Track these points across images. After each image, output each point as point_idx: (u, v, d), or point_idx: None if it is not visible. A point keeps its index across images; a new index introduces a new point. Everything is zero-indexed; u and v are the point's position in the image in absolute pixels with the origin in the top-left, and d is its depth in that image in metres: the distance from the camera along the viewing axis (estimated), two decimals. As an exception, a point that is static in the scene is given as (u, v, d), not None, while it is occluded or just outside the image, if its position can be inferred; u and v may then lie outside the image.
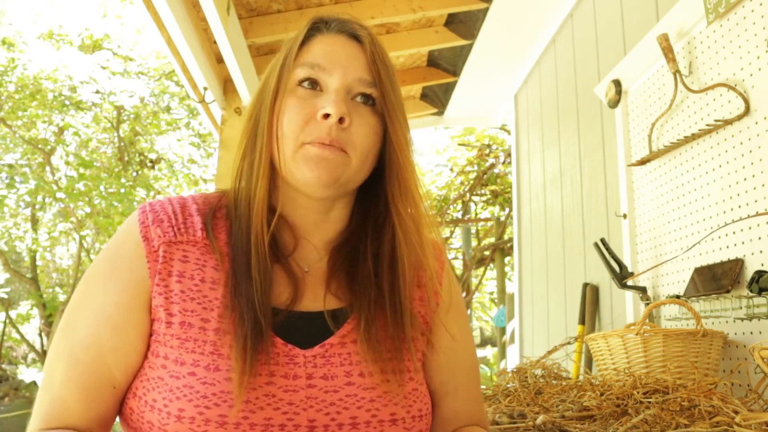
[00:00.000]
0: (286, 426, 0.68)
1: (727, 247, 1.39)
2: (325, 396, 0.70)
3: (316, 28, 0.81)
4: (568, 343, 1.61)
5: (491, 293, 9.80)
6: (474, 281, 7.89)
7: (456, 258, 7.92)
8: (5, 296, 10.91)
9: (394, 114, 0.79)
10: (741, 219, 1.34)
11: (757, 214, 1.28)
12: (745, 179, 1.35)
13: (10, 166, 9.37)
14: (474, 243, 7.85)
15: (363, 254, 0.80)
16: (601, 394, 1.09)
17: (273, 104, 0.77)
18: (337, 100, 0.74)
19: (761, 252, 1.29)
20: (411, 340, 0.77)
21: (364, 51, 0.79)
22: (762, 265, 1.28)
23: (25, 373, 10.73)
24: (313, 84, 0.77)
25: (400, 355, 0.75)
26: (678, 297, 1.53)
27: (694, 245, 1.52)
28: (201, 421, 0.65)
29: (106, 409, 0.72)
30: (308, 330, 0.75)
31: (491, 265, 7.56)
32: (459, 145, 7.54)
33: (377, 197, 0.83)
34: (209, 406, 0.66)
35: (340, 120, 0.74)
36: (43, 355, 10.29)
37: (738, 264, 1.33)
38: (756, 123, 1.33)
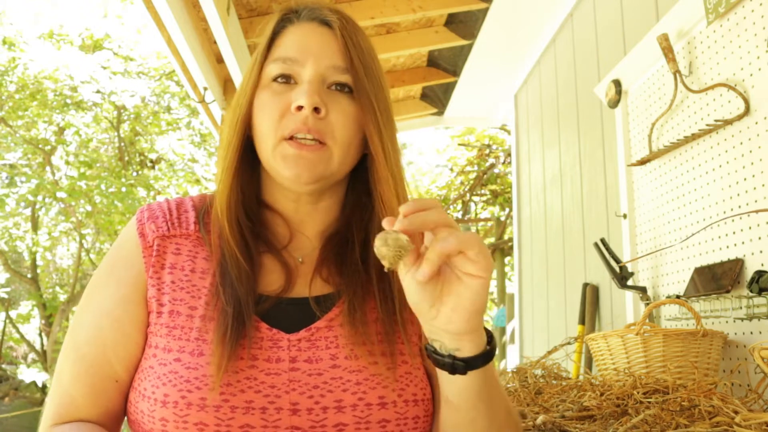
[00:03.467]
0: (268, 409, 0.68)
1: (727, 247, 1.39)
2: (308, 379, 0.70)
3: (287, 19, 0.81)
4: (568, 343, 1.61)
5: (491, 293, 9.81)
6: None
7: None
8: (5, 296, 10.91)
9: (368, 100, 0.77)
10: (738, 215, 1.34)
11: (757, 211, 1.28)
12: (745, 179, 1.35)
13: (11, 165, 9.37)
14: (474, 243, 7.84)
15: (351, 242, 0.81)
16: (601, 394, 1.09)
17: (249, 101, 0.78)
18: (309, 90, 0.73)
19: (761, 252, 1.29)
20: (404, 323, 0.77)
21: (336, 37, 0.78)
22: (762, 265, 1.28)
23: (25, 373, 10.73)
24: (287, 78, 0.77)
25: (391, 338, 0.74)
26: (678, 297, 1.53)
27: (688, 237, 1.52)
28: (183, 405, 0.66)
29: (112, 403, 0.74)
30: (297, 316, 0.75)
31: (491, 265, 7.54)
32: (459, 145, 7.54)
33: (366, 184, 0.83)
34: (191, 390, 0.67)
35: (316, 110, 0.74)
36: (43, 355, 10.30)
37: (738, 264, 1.33)
38: (756, 123, 1.33)
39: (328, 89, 0.76)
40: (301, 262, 0.81)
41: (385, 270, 0.59)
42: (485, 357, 0.64)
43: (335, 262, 0.80)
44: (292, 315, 0.75)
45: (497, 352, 0.67)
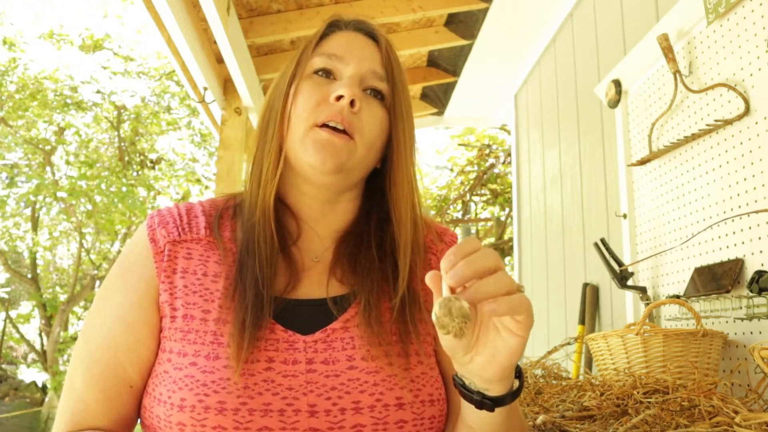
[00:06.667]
0: (286, 411, 0.68)
1: (727, 247, 1.39)
2: (325, 381, 0.70)
3: (335, 25, 0.86)
4: (568, 343, 1.61)
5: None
6: (474, 281, 7.88)
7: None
8: (5, 296, 10.91)
9: (401, 112, 0.82)
10: (738, 215, 1.34)
11: (757, 212, 1.28)
12: (745, 179, 1.35)
13: (12, 165, 9.37)
14: (474, 243, 7.83)
15: (367, 242, 0.82)
16: (601, 394, 1.09)
17: (288, 89, 0.81)
18: (351, 83, 0.78)
19: (761, 252, 1.29)
20: (418, 322, 0.77)
21: (380, 49, 0.83)
22: (762, 265, 1.28)
23: (25, 373, 10.74)
24: (328, 73, 0.81)
25: (406, 338, 0.75)
26: (678, 297, 1.52)
27: (689, 238, 1.52)
28: (201, 409, 0.66)
29: (125, 409, 0.74)
30: (312, 317, 0.76)
31: (491, 265, 7.53)
32: (459, 145, 7.54)
33: (383, 191, 0.85)
34: (208, 394, 0.67)
35: (352, 103, 0.77)
36: (43, 355, 10.30)
37: (738, 264, 1.33)
38: (756, 123, 1.33)
39: (363, 91, 0.80)
40: (317, 261, 0.81)
41: (447, 338, 0.56)
42: (514, 394, 0.63)
43: (349, 261, 0.81)
44: (306, 316, 0.76)
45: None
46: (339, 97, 0.77)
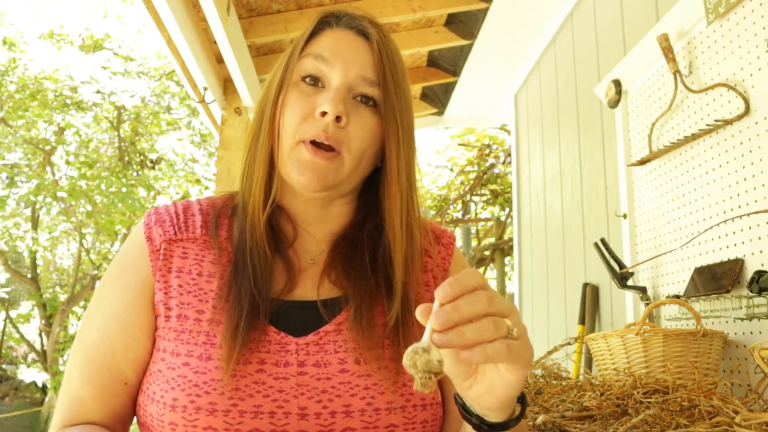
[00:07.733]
0: (276, 413, 0.68)
1: (727, 247, 1.39)
2: (316, 383, 0.70)
3: (326, 21, 0.81)
4: (568, 343, 1.61)
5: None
6: (474, 281, 7.87)
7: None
8: (5, 296, 10.92)
9: (394, 119, 0.78)
10: (739, 216, 1.34)
11: (757, 212, 1.28)
12: (745, 179, 1.35)
13: (12, 165, 9.38)
14: (474, 243, 7.85)
15: (360, 249, 0.81)
16: (601, 394, 1.09)
17: (276, 97, 0.78)
18: (335, 98, 0.74)
19: (761, 252, 1.29)
20: (411, 327, 0.75)
21: (372, 49, 0.78)
22: (762, 265, 1.28)
23: (25, 373, 10.74)
24: (315, 80, 0.77)
25: (399, 342, 0.74)
26: (678, 297, 1.52)
27: (690, 240, 1.52)
28: (192, 410, 0.66)
29: (120, 405, 0.74)
30: (305, 319, 0.75)
31: (491, 265, 7.56)
32: (459, 145, 7.55)
33: (378, 198, 0.83)
34: (200, 394, 0.67)
35: (337, 119, 0.74)
36: (43, 355, 10.30)
37: (738, 264, 1.33)
38: (756, 123, 1.33)
39: (352, 99, 0.77)
40: (312, 262, 0.81)
41: (414, 389, 0.53)
42: (516, 420, 0.61)
43: (343, 264, 0.80)
44: (298, 318, 0.75)
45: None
46: (324, 113, 0.74)
